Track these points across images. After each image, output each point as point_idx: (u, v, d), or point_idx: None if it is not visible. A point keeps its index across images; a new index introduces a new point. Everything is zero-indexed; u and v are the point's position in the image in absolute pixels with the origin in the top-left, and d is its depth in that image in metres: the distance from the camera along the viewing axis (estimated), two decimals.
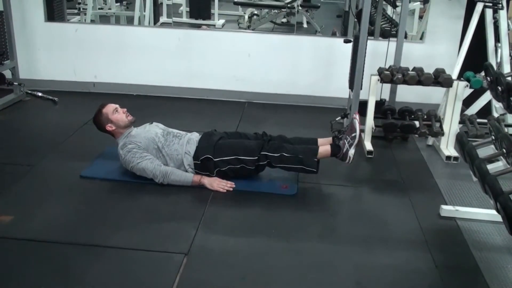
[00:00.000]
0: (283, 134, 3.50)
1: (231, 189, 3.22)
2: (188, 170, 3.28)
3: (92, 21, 6.26)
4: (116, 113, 3.36)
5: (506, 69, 4.07)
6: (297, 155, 3.22)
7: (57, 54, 5.11)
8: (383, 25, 5.07)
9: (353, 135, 3.24)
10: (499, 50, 4.21)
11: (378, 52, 4.36)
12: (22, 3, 4.90)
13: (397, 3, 4.83)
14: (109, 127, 3.35)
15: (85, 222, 2.86)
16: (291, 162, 3.23)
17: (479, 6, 4.10)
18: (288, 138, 3.47)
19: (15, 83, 4.80)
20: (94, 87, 5.17)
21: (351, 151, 3.24)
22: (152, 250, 2.60)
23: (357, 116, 3.33)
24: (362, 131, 4.04)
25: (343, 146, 3.25)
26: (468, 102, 4.16)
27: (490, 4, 4.06)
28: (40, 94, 4.91)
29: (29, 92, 4.91)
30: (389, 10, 5.70)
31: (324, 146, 3.32)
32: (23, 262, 2.47)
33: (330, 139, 3.44)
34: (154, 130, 3.39)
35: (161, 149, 3.29)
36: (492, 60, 4.21)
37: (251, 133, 3.52)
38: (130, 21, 6.40)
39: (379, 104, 4.14)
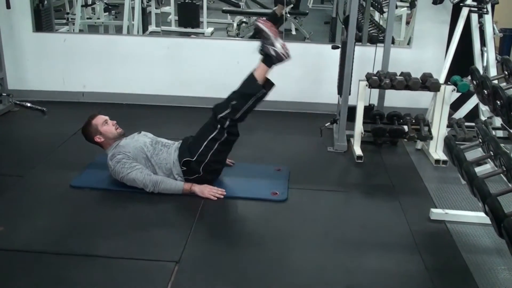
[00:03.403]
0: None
1: (222, 196, 3.22)
2: (177, 178, 3.28)
3: (81, 31, 6.25)
4: (105, 125, 3.35)
5: (492, 73, 4.11)
6: (242, 93, 3.22)
7: (46, 64, 5.10)
8: (371, 31, 5.11)
9: (265, 35, 3.20)
10: (485, 54, 4.25)
11: (366, 58, 4.39)
12: (9, 14, 4.88)
13: (384, 9, 4.87)
14: (98, 138, 3.35)
15: (76, 231, 2.84)
16: (243, 103, 3.20)
17: (465, 11, 4.15)
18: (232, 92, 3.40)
19: (3, 94, 4.78)
20: (83, 96, 5.16)
21: (277, 47, 3.19)
22: (143, 258, 2.59)
23: (259, 20, 3.29)
24: (351, 136, 4.08)
25: (269, 51, 3.20)
26: (455, 106, 4.20)
27: (475, 9, 4.11)
28: (28, 104, 4.89)
29: (18, 102, 4.89)
30: (377, 16, 5.74)
31: (258, 68, 3.26)
32: (13, 273, 2.46)
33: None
34: (142, 139, 3.38)
35: (149, 158, 3.29)
36: (478, 64, 4.24)
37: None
38: (118, 30, 6.39)
39: (368, 109, 4.17)
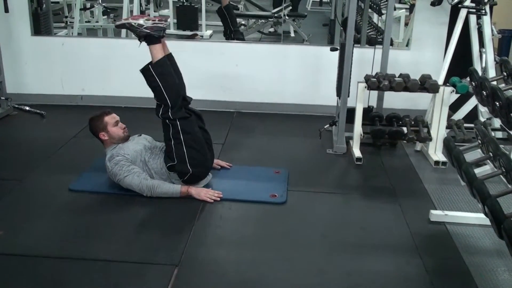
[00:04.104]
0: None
1: (219, 198, 3.21)
2: (175, 182, 3.29)
3: (79, 34, 6.25)
4: (115, 126, 3.36)
5: (491, 74, 4.12)
6: (149, 85, 3.25)
7: (44, 68, 5.10)
8: (369, 33, 5.12)
9: (128, 27, 3.24)
10: (483, 55, 4.25)
11: (364, 60, 4.39)
12: (8, 17, 4.88)
13: (383, 11, 4.88)
14: (102, 135, 3.35)
15: (75, 235, 2.84)
16: (158, 89, 3.22)
17: (463, 13, 4.15)
18: None
19: (2, 98, 4.77)
20: (82, 100, 5.16)
21: (142, 22, 3.18)
22: (143, 262, 2.59)
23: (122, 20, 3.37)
24: (350, 138, 4.08)
25: (142, 32, 3.20)
26: (454, 107, 4.20)
27: (474, 10, 4.11)
28: (27, 108, 4.89)
29: (17, 106, 4.88)
30: (375, 17, 5.75)
31: (151, 53, 3.26)
32: (12, 277, 2.45)
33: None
34: (142, 142, 3.39)
35: (147, 162, 3.30)
36: (477, 65, 4.25)
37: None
38: (117, 33, 6.39)
39: (367, 111, 4.16)
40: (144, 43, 3.25)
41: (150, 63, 3.24)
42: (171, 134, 3.25)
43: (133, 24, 3.20)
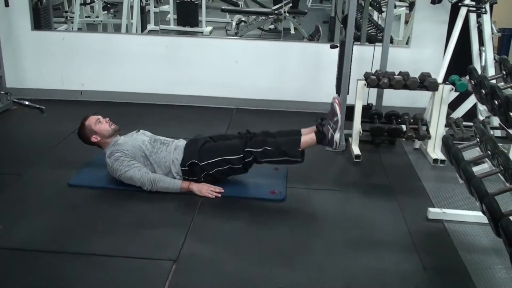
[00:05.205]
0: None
1: (220, 195, 3.22)
2: (176, 177, 3.28)
3: (79, 29, 6.24)
4: (99, 124, 3.36)
5: (490, 72, 4.12)
6: (280, 147, 3.20)
7: (44, 63, 5.10)
8: (369, 30, 5.11)
9: (335, 119, 3.20)
10: (483, 54, 4.25)
11: (364, 57, 4.39)
12: (8, 12, 4.88)
13: (383, 8, 4.88)
14: (94, 138, 3.35)
15: (73, 230, 2.84)
16: (275, 155, 3.21)
17: (463, 11, 4.15)
18: (272, 133, 3.44)
19: (1, 92, 4.78)
20: (81, 95, 5.16)
21: (336, 136, 3.20)
22: (141, 257, 2.60)
23: (336, 100, 3.29)
24: (349, 135, 4.08)
25: (328, 132, 3.21)
26: (453, 105, 4.20)
27: (474, 9, 4.11)
28: (27, 103, 4.89)
29: (16, 101, 4.88)
30: (375, 15, 5.75)
31: (307, 135, 3.28)
32: (10, 272, 2.46)
33: (314, 127, 3.37)
34: (141, 138, 3.38)
35: (148, 157, 3.29)
36: (477, 64, 4.25)
37: (235, 133, 3.52)
38: (117, 29, 6.38)
39: (366, 108, 4.17)
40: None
41: (300, 140, 3.23)
42: (226, 158, 3.22)
43: (337, 123, 3.19)
